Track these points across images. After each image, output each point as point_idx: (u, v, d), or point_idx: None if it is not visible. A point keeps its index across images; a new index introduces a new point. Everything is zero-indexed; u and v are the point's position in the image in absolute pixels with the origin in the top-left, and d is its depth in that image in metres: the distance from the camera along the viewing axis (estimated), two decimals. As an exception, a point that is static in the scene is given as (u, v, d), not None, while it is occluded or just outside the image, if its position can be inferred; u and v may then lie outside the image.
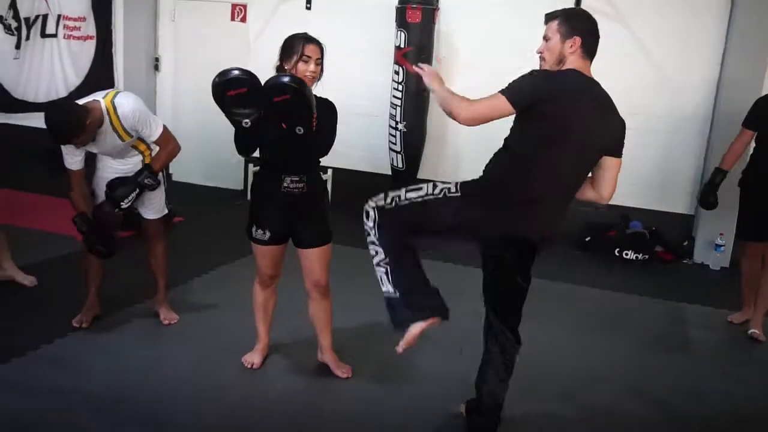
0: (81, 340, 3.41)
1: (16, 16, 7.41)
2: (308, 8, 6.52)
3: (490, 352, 2.63)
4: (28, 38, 7.40)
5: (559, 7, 2.53)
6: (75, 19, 7.20)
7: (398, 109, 5.91)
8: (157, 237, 3.66)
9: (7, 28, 7.46)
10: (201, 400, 2.95)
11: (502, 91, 2.35)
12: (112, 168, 3.44)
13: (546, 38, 2.48)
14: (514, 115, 2.41)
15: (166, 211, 3.70)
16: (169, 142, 3.43)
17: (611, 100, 2.48)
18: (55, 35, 7.29)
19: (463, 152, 6.30)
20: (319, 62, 2.89)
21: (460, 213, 2.46)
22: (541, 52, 2.50)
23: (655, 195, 5.91)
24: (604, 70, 6.23)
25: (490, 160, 2.55)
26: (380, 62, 6.19)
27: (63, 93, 7.33)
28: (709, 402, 3.32)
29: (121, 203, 3.30)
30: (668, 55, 5.71)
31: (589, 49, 2.44)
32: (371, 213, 2.51)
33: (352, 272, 4.00)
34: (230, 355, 3.33)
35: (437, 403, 3.04)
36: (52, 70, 7.37)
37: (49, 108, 3.27)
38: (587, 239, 5.83)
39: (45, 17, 7.29)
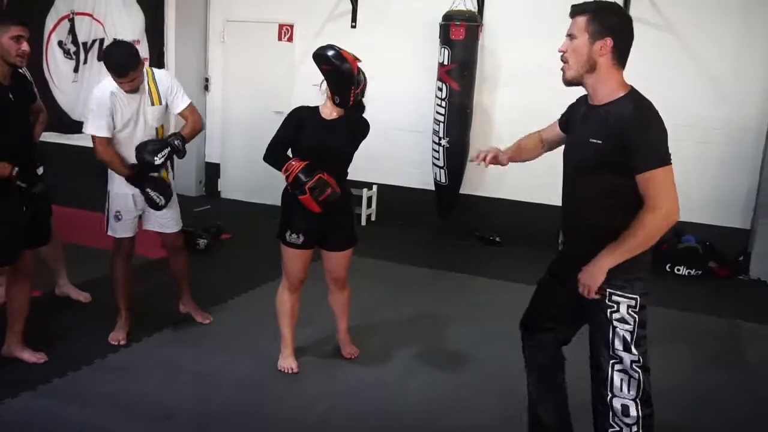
0: (133, 354, 3.50)
1: (74, 41, 7.73)
2: (353, 26, 6.61)
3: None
4: (85, 62, 7.71)
5: (621, 7, 2.22)
6: (129, 43, 7.46)
7: (441, 124, 5.92)
8: (179, 249, 3.81)
9: (67, 53, 7.79)
10: (251, 416, 2.99)
11: (664, 163, 2.05)
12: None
13: (571, 36, 2.11)
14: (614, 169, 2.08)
15: (179, 225, 3.75)
16: (195, 114, 3.56)
17: None
18: (110, 58, 7.57)
19: (505, 168, 6.23)
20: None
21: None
22: (563, 52, 2.14)
23: (709, 209, 5.74)
24: (656, 80, 6.19)
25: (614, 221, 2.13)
26: (424, 79, 6.22)
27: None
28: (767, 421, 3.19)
29: (155, 158, 3.32)
30: (722, 65, 5.58)
31: (622, 54, 2.10)
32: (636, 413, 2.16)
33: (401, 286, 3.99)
34: (276, 368, 3.38)
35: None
36: (107, 92, 7.64)
37: (109, 46, 3.49)
38: (637, 254, 5.69)
39: (102, 41, 7.58)
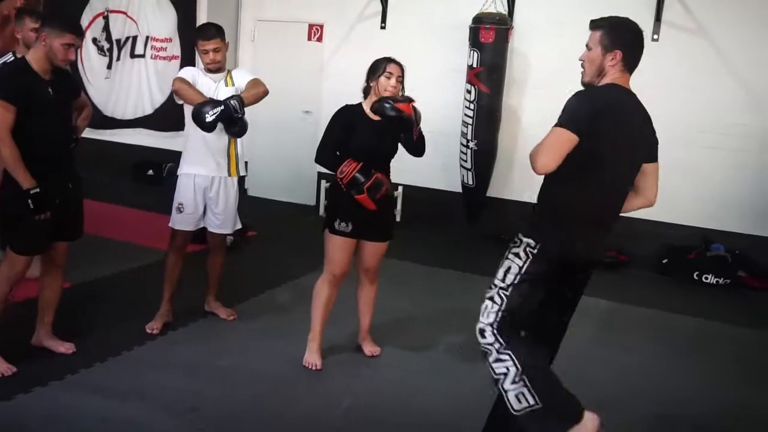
0: (159, 347, 3.55)
1: (108, 38, 7.87)
2: (383, 27, 6.63)
3: None
4: (118, 59, 7.84)
5: (638, 22, 2.43)
6: (162, 40, 7.58)
7: (470, 127, 5.91)
8: (220, 249, 3.92)
9: (100, 50, 7.93)
10: (273, 413, 3.02)
11: (560, 124, 2.27)
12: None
13: (588, 47, 2.43)
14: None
15: (235, 228, 3.89)
16: (258, 84, 3.67)
17: (645, 109, 2.44)
18: (143, 56, 7.69)
19: (532, 171, 6.20)
20: (400, 80, 3.29)
21: (542, 275, 2.37)
22: (582, 60, 2.46)
23: (740, 217, 5.64)
24: (689, 86, 6.09)
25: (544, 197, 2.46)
26: (453, 81, 6.20)
27: (149, 111, 7.71)
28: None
29: (207, 115, 3.38)
30: (758, 72, 5.47)
31: (630, 63, 2.38)
32: (487, 330, 2.35)
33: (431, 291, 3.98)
34: (300, 365, 3.41)
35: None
36: (139, 88, 7.77)
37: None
38: (664, 261, 5.62)
39: (134, 38, 7.71)
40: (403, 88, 3.32)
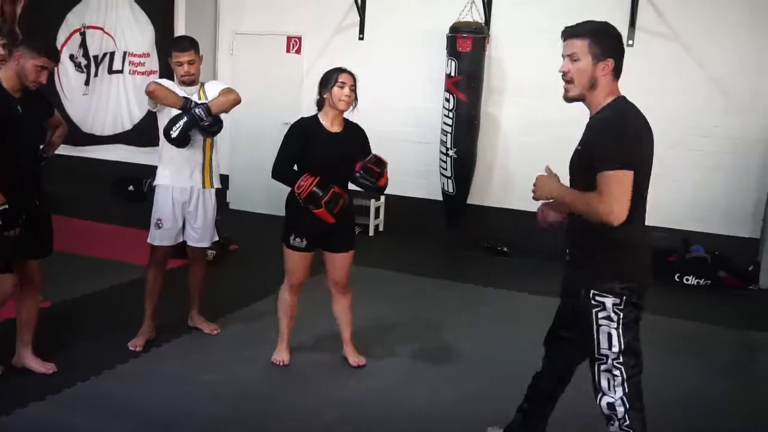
0: (142, 364, 3.52)
1: (86, 54, 7.83)
2: (361, 39, 6.66)
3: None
4: (96, 75, 7.80)
5: (613, 26, 2.25)
6: (140, 56, 7.56)
7: (449, 135, 5.95)
8: (200, 262, 3.93)
9: (78, 66, 7.88)
10: (258, 426, 3.00)
11: (622, 167, 2.08)
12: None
13: (573, 58, 2.21)
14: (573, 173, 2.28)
15: (212, 241, 3.90)
16: (230, 92, 3.66)
17: None
18: (121, 71, 7.67)
19: (513, 176, 6.27)
20: (353, 89, 3.29)
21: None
22: (566, 72, 2.24)
23: (719, 218, 5.72)
24: (664, 90, 6.17)
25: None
26: (431, 90, 6.25)
27: (128, 126, 7.67)
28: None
29: (171, 131, 3.44)
30: (732, 76, 5.58)
31: (618, 69, 2.23)
32: (617, 403, 2.23)
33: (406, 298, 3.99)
34: (284, 378, 3.40)
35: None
36: (118, 104, 7.73)
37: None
38: (646, 264, 5.67)
39: (112, 54, 7.68)
40: (356, 97, 3.31)
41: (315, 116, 3.36)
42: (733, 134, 5.61)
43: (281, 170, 3.30)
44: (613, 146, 2.11)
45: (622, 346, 2.21)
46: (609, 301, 2.21)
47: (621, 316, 2.21)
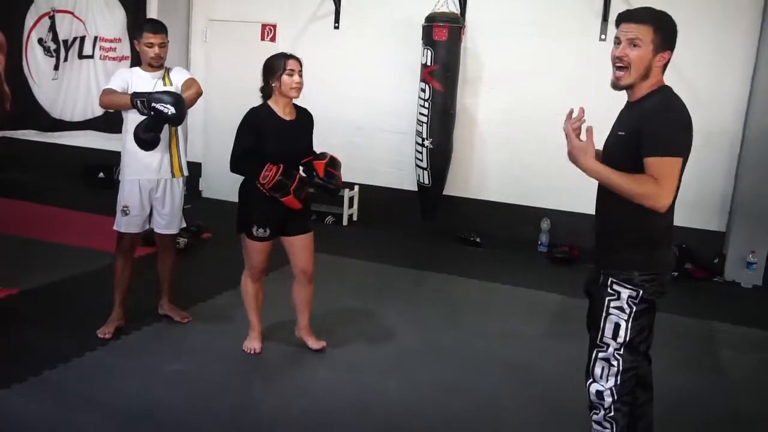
0: (111, 353, 3.48)
1: (55, 39, 7.65)
2: (336, 27, 6.62)
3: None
4: (66, 59, 7.63)
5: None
6: (111, 41, 7.41)
7: (425, 126, 5.95)
8: (169, 250, 3.88)
9: (47, 50, 7.70)
10: (228, 416, 3.00)
11: (670, 154, 2.07)
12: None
13: (634, 43, 2.10)
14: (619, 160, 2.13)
15: (180, 228, 3.85)
16: (193, 84, 3.62)
17: None
18: (91, 56, 7.51)
19: (489, 168, 6.31)
20: (301, 74, 3.28)
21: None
22: (623, 57, 2.12)
23: (686, 212, 5.81)
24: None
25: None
26: (407, 80, 6.24)
27: (99, 112, 7.52)
28: (743, 424, 3.25)
29: (139, 137, 3.36)
30: (698, 70, 5.65)
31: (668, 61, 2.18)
32: (606, 392, 2.26)
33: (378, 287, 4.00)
34: (255, 367, 3.39)
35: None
36: (88, 89, 7.58)
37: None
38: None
39: (82, 39, 7.52)
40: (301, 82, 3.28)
41: (266, 104, 3.31)
42: (699, 129, 5.65)
43: (240, 164, 3.26)
44: (669, 132, 2.08)
45: (627, 340, 2.21)
46: (625, 293, 2.19)
47: (633, 310, 2.20)
